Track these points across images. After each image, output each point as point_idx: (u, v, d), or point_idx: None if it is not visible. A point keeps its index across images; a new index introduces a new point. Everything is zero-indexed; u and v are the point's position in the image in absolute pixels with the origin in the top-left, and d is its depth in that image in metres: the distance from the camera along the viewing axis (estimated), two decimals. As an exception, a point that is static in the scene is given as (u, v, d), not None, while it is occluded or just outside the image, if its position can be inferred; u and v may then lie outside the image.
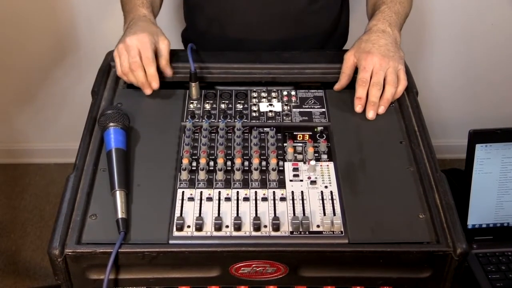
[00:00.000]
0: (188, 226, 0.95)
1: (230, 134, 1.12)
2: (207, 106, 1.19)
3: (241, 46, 1.47)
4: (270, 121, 1.16)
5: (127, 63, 1.17)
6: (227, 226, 0.96)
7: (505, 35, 2.18)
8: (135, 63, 1.16)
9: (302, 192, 1.02)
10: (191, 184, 1.03)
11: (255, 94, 1.23)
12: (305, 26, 1.49)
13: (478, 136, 1.33)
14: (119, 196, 0.97)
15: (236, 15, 1.46)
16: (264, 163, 1.07)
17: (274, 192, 1.02)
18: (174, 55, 1.27)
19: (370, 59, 1.17)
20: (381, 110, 1.16)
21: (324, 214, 0.98)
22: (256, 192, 1.01)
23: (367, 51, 1.19)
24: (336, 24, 1.54)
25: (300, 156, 1.09)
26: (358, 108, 1.16)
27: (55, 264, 0.91)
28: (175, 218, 0.96)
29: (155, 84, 1.18)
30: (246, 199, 1.00)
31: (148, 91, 1.19)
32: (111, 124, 1.07)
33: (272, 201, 1.00)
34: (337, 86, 1.22)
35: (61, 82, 2.26)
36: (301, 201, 1.00)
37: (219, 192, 1.01)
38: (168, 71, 1.21)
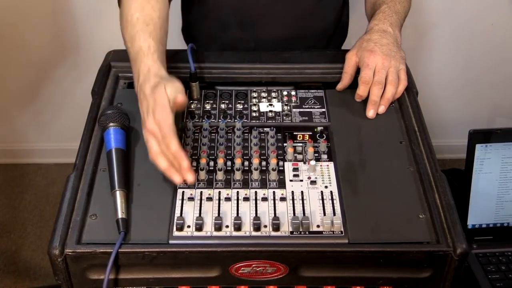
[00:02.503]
0: (188, 226, 0.95)
1: (230, 134, 1.12)
2: (207, 106, 1.19)
3: (242, 45, 1.47)
4: (270, 121, 1.16)
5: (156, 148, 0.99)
6: (227, 226, 0.96)
7: (505, 35, 2.18)
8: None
9: (302, 192, 1.02)
10: (191, 184, 1.02)
11: (255, 94, 1.23)
12: (311, 24, 1.48)
13: (478, 136, 1.33)
14: (119, 196, 0.97)
15: (241, 13, 1.45)
16: (264, 163, 1.07)
17: (274, 192, 1.02)
18: (174, 55, 1.27)
19: (372, 58, 1.18)
20: (381, 109, 1.17)
21: (324, 214, 0.98)
22: (256, 192, 1.01)
23: (370, 49, 1.19)
24: (337, 23, 1.54)
25: (300, 156, 1.09)
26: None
27: (55, 264, 0.91)
28: (175, 218, 0.96)
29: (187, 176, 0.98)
30: (246, 199, 1.00)
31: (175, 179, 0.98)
32: (111, 124, 1.07)
33: (272, 201, 1.00)
34: (339, 86, 1.22)
35: (61, 82, 2.26)
36: (301, 201, 1.00)
37: (219, 192, 1.01)
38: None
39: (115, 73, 1.26)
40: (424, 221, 0.97)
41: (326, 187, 1.03)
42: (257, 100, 1.21)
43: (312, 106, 1.20)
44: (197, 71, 1.21)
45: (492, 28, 2.16)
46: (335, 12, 1.52)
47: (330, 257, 0.93)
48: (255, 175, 1.04)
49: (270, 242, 0.94)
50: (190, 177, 0.96)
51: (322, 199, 1.00)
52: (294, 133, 1.13)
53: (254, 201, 1.00)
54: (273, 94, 1.23)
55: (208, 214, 0.97)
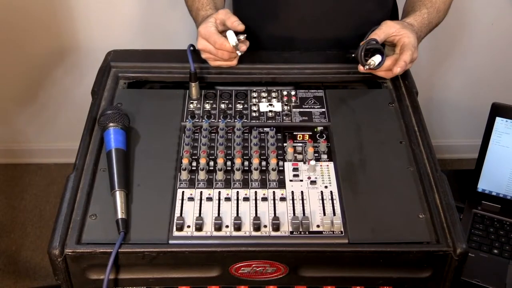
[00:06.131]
0: (188, 226, 0.95)
1: (230, 134, 1.12)
2: (207, 106, 1.19)
3: (293, 44, 1.44)
4: (270, 121, 1.16)
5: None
6: (227, 226, 0.96)
7: (505, 35, 2.18)
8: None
9: (302, 192, 1.02)
10: (191, 184, 1.03)
11: (255, 94, 1.23)
12: (359, 24, 1.44)
13: (499, 110, 1.42)
14: (119, 196, 0.97)
15: (289, 10, 1.43)
16: (264, 163, 1.06)
17: (274, 192, 1.02)
18: (174, 55, 1.27)
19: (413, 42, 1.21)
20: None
21: (324, 214, 0.98)
22: (256, 192, 1.01)
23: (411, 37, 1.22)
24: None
25: (300, 156, 1.09)
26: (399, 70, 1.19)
27: (55, 264, 0.91)
28: (175, 218, 0.96)
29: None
30: (246, 199, 1.00)
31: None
32: (111, 124, 1.07)
33: (272, 201, 1.00)
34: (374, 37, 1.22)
35: (61, 82, 2.26)
36: (301, 201, 1.00)
37: (219, 192, 1.01)
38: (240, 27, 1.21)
39: (115, 73, 1.26)
40: (424, 221, 0.97)
41: (326, 187, 1.03)
42: (257, 100, 1.21)
43: (312, 106, 1.20)
44: (197, 71, 1.21)
45: (492, 28, 2.16)
46: (386, 8, 1.50)
47: (330, 257, 0.93)
48: (255, 175, 1.04)
49: (270, 242, 0.94)
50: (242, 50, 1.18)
51: (322, 199, 1.00)
52: (294, 133, 1.13)
53: (254, 201, 1.00)
54: (273, 94, 1.23)
55: (208, 214, 0.97)
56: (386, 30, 1.22)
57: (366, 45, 1.19)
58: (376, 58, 1.19)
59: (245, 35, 1.20)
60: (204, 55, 1.23)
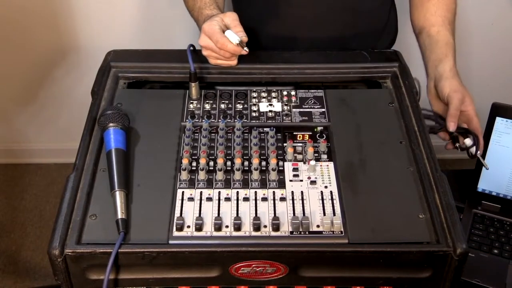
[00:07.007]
0: (188, 226, 0.95)
1: (230, 134, 1.12)
2: (207, 106, 1.19)
3: (293, 44, 1.45)
4: (270, 121, 1.16)
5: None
6: (227, 226, 0.96)
7: (505, 35, 2.18)
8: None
9: (302, 192, 1.02)
10: (191, 184, 1.03)
11: (255, 94, 1.23)
12: (360, 22, 1.46)
13: (499, 110, 1.43)
14: (119, 196, 0.97)
15: (289, 10, 1.43)
16: (264, 163, 1.06)
17: (274, 192, 1.02)
18: (174, 55, 1.27)
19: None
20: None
21: (324, 214, 0.98)
22: (256, 192, 1.01)
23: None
24: (385, 22, 1.52)
25: (300, 156, 1.09)
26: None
27: (55, 264, 0.91)
28: (175, 218, 0.96)
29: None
30: (246, 199, 1.00)
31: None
32: (111, 124, 1.07)
33: (272, 201, 1.00)
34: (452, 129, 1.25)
35: (61, 82, 2.26)
36: (301, 201, 1.00)
37: (219, 192, 1.01)
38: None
39: (115, 73, 1.26)
40: (424, 221, 0.97)
41: (326, 187, 1.03)
42: (257, 100, 1.21)
43: (312, 106, 1.20)
44: (197, 71, 1.21)
45: (492, 28, 2.16)
46: (385, 10, 1.50)
47: (330, 257, 0.93)
48: (255, 175, 1.04)
49: (270, 242, 0.94)
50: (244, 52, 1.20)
51: (322, 199, 1.00)
52: (294, 133, 1.13)
53: (254, 201, 1.00)
54: (273, 94, 1.23)
55: (208, 214, 0.97)
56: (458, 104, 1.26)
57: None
58: (468, 141, 1.25)
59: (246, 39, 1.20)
60: (205, 52, 1.23)
